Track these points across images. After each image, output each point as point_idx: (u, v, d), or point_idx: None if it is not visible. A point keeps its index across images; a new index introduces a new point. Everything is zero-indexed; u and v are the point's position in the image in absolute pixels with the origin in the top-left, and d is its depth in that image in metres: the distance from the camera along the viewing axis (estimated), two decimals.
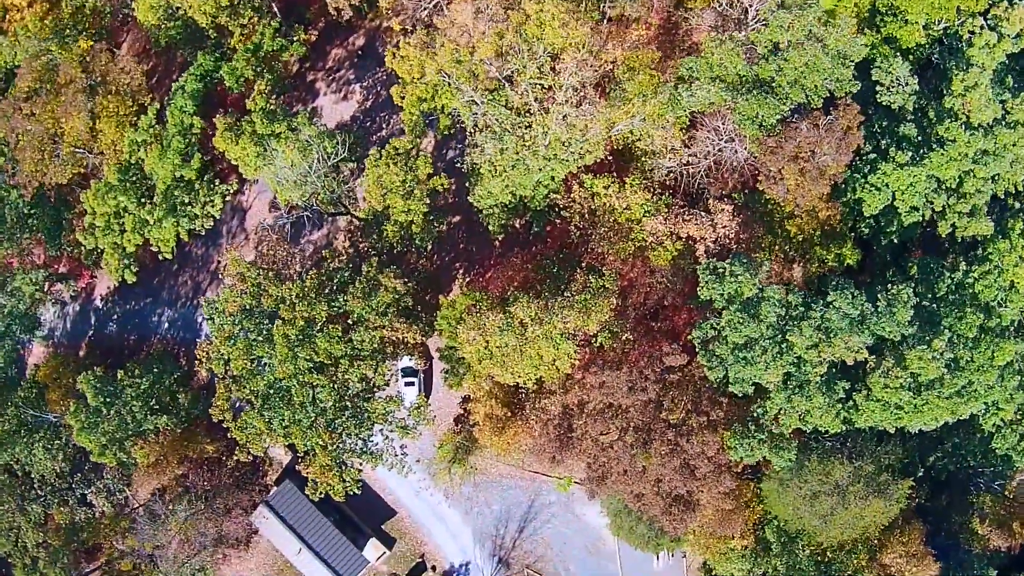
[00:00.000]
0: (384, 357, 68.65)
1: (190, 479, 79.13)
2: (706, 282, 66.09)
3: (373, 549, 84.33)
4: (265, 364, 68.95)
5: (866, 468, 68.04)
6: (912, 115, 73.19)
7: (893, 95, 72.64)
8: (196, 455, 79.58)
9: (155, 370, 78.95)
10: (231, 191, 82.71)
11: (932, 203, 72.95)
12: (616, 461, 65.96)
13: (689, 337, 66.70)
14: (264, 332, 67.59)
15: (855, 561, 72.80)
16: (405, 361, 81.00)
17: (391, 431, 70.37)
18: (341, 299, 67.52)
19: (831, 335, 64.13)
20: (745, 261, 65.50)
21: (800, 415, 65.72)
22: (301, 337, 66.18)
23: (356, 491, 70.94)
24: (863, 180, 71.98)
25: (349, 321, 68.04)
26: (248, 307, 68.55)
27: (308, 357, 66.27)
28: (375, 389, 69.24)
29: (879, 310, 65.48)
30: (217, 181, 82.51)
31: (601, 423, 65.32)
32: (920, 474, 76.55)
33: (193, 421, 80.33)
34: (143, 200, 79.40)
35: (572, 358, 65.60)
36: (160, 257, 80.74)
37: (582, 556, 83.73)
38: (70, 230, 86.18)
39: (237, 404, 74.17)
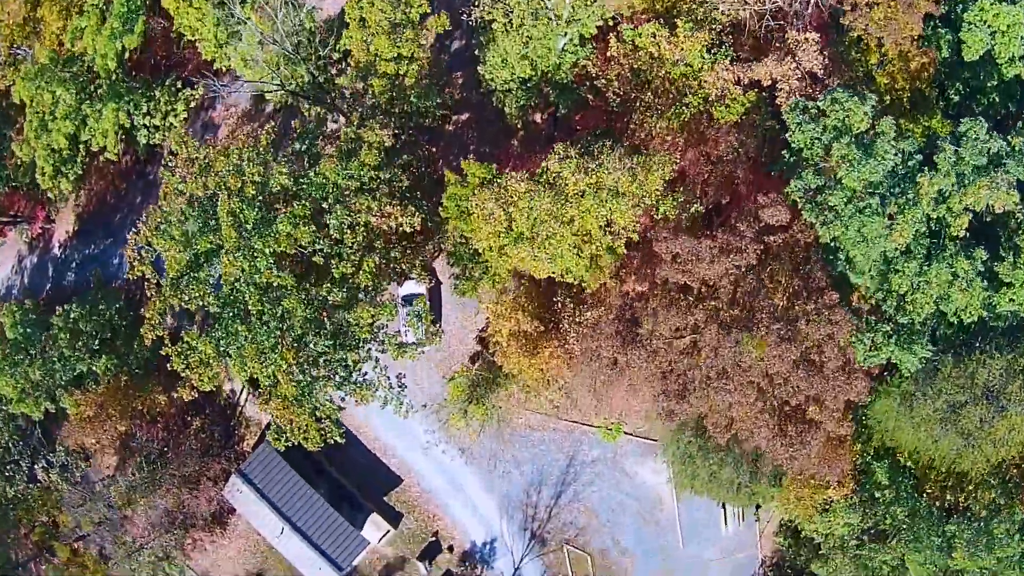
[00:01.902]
0: (371, 250, 48.92)
1: (137, 438, 59.04)
2: (797, 124, 46.69)
3: (374, 527, 63.73)
4: (213, 263, 49.09)
5: (1020, 361, 47.35)
6: None
7: None
8: (146, 409, 59.68)
9: (97, 303, 59.75)
10: (196, 97, 64.84)
11: None
12: (704, 362, 44.84)
13: (786, 191, 46.61)
14: (211, 222, 48.21)
15: (986, 496, 51.48)
16: (409, 287, 61.32)
17: (382, 349, 50.20)
18: (312, 174, 48.13)
19: (965, 181, 44.63)
20: (846, 90, 46.29)
21: (937, 297, 45.61)
22: (258, 221, 46.75)
23: (338, 439, 50.65)
24: (959, 18, 53.53)
25: (325, 206, 48.64)
26: (193, 196, 49.41)
27: (268, 249, 46.73)
28: (360, 292, 49.26)
29: (1015, 150, 46.00)
30: (180, 84, 64.86)
31: (677, 315, 44.89)
32: None
33: (147, 368, 60.75)
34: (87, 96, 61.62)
35: (631, 224, 45.65)
36: (103, 157, 62.27)
37: (635, 525, 62.77)
38: (11, 152, 68.38)
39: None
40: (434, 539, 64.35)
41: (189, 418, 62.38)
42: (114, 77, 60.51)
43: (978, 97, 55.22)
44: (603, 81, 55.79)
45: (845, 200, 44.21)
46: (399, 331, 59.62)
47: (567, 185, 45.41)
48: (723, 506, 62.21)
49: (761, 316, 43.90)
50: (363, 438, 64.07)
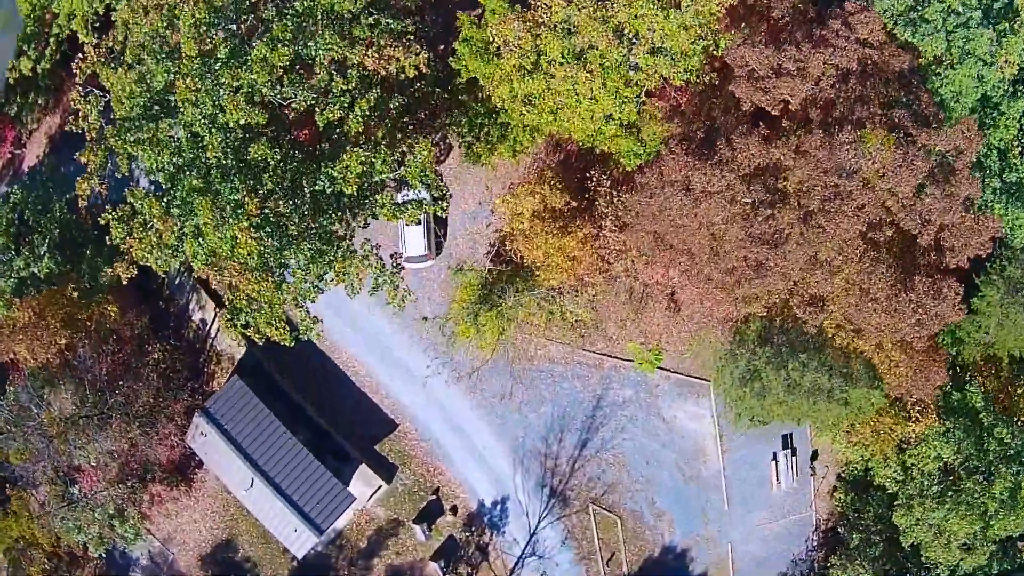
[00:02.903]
0: (362, 94, 39.48)
1: (81, 357, 48.94)
2: None
3: (363, 482, 53.11)
4: (175, 125, 39.54)
5: None
6: None
7: None
8: (93, 324, 49.71)
9: (48, 196, 50.48)
10: None
11: None
12: (801, 185, 34.64)
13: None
14: (175, 57, 38.96)
15: None
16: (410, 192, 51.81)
17: (372, 213, 40.28)
18: (297, 3, 39.42)
19: None
20: None
21: None
22: (229, 56, 37.57)
23: (311, 331, 40.22)
24: None
25: (312, 44, 39.51)
26: (157, 32, 40.50)
27: (238, 83, 37.60)
28: (348, 144, 39.61)
29: None
30: None
31: (757, 146, 35.38)
32: None
33: (101, 283, 50.90)
34: None
35: (689, 47, 36.46)
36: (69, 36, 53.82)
37: (672, 482, 52.23)
38: None
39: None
40: (434, 498, 53.61)
41: (149, 347, 52.53)
42: None
43: None
44: None
45: (944, 14, 35.70)
46: (399, 247, 50.34)
47: None
48: (774, 458, 52.28)
49: (871, 127, 34.57)
50: (352, 375, 53.91)
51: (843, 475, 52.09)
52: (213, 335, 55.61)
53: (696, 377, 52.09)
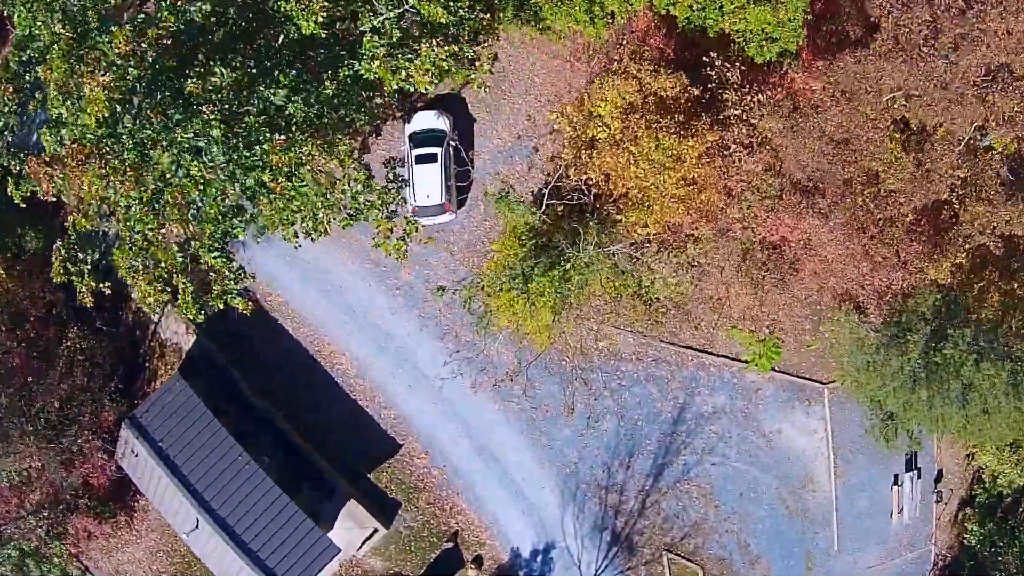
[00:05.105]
0: None
1: None
2: None
3: (351, 524, 36.48)
4: None
5: None
6: None
7: None
8: None
9: None
10: None
11: None
12: None
13: None
14: None
15: None
16: (423, 120, 35.78)
17: (362, 67, 23.06)
18: None
19: None
20: None
21: None
22: None
23: (231, 294, 24.64)
24: None
25: None
26: None
27: None
28: None
29: None
30: None
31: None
32: None
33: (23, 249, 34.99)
34: None
35: None
36: None
37: (772, 519, 36.30)
38: None
39: None
40: (451, 545, 37.27)
41: (67, 331, 36.27)
42: None
43: None
44: None
45: None
46: (405, 182, 33.91)
47: None
48: (897, 482, 37.63)
49: None
50: (339, 375, 37.60)
51: (976, 500, 38.18)
52: (156, 320, 39.39)
53: (807, 378, 36.72)
